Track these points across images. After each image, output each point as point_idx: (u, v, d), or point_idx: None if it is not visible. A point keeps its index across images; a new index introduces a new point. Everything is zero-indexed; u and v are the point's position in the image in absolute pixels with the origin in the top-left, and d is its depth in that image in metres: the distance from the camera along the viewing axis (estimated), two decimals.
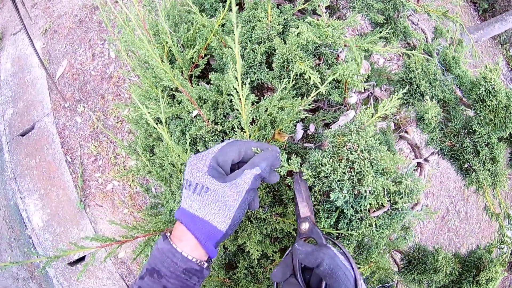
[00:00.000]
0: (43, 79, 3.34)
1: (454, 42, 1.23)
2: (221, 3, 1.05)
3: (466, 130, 0.94)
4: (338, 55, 0.93)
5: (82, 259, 2.91)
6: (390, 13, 0.99)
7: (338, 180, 0.76)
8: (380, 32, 1.02)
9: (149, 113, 1.03)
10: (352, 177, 0.77)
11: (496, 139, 0.95)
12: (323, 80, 0.86)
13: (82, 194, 2.98)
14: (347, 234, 0.80)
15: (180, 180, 0.91)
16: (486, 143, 0.93)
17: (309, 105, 0.81)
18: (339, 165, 0.77)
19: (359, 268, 0.87)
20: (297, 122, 0.92)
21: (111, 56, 3.37)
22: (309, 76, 0.76)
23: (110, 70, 3.31)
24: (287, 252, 0.65)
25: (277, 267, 0.63)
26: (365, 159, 0.77)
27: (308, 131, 0.92)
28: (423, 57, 0.93)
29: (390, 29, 1.04)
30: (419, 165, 1.27)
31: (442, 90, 0.96)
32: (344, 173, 0.77)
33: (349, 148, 0.78)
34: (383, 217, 0.82)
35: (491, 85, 0.88)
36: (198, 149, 0.88)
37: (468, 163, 0.92)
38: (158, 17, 1.02)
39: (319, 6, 0.91)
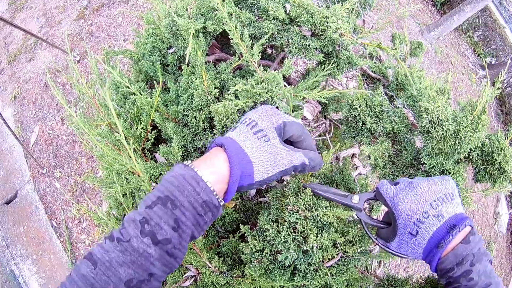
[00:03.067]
0: (19, 146, 3.52)
1: (406, 56, 1.24)
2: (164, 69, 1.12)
3: (418, 161, 0.97)
4: (277, 107, 0.98)
5: None
6: (329, 49, 1.02)
7: (284, 242, 0.82)
8: (323, 70, 1.05)
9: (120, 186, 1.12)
10: (296, 237, 0.83)
11: (452, 164, 0.97)
12: None
13: (72, 256, 3.17)
14: (304, 285, 0.86)
15: None
16: (440, 171, 0.96)
17: None
18: (282, 228, 0.83)
19: None
20: None
21: None
22: None
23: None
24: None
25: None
26: (307, 218, 0.83)
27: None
28: (366, 92, 0.96)
29: (332, 63, 1.07)
30: None
31: (390, 121, 0.99)
32: (288, 234, 0.83)
33: (290, 211, 0.83)
34: (338, 265, 0.88)
35: (435, 115, 0.90)
36: None
37: None
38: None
39: (251, 62, 0.96)
